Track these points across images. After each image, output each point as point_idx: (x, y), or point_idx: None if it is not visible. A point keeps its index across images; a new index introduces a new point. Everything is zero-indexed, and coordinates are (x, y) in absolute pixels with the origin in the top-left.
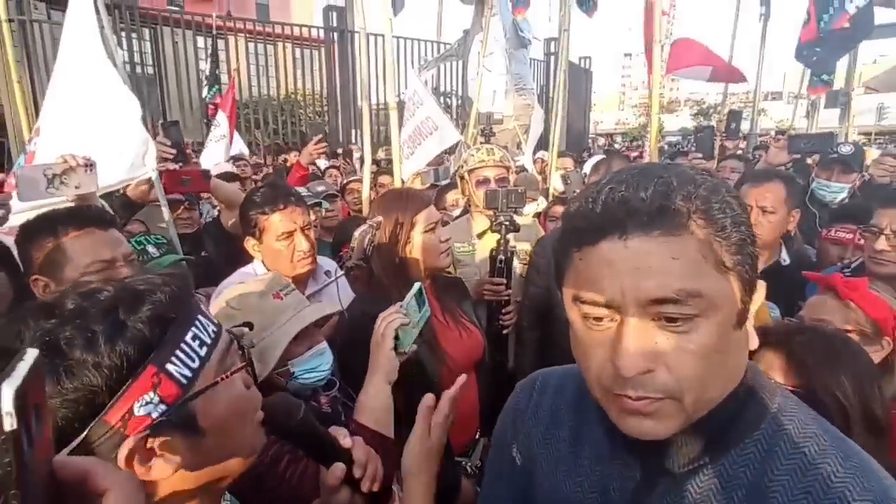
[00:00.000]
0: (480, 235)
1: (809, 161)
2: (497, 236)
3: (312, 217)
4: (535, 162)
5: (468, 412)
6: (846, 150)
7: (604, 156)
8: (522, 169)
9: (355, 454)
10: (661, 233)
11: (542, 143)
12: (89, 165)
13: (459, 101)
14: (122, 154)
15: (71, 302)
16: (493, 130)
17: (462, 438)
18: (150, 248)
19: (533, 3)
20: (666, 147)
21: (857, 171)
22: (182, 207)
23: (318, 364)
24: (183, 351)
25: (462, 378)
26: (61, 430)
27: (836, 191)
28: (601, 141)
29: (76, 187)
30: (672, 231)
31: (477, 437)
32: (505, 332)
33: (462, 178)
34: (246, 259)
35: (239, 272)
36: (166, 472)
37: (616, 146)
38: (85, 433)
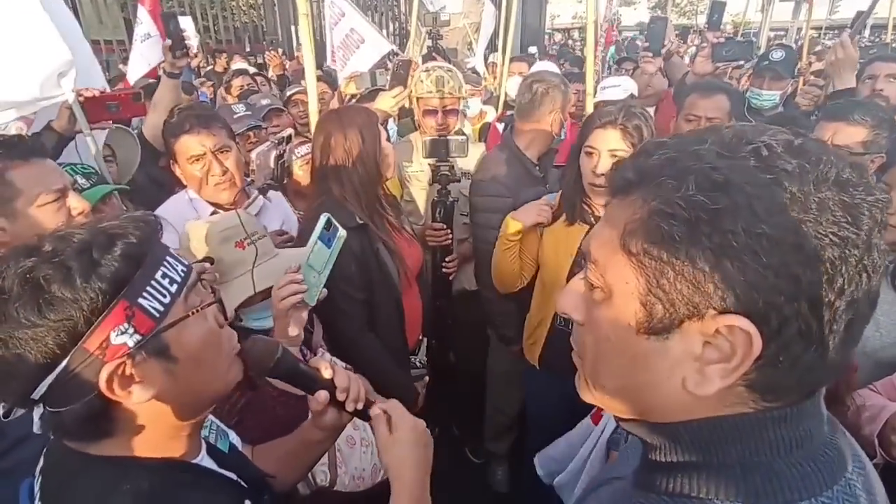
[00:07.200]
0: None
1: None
2: (438, 186)
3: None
4: (487, 66)
5: (415, 318)
6: (777, 55)
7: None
8: (474, 72)
9: (337, 381)
10: (623, 196)
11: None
12: None
13: None
14: (33, 68)
15: (49, 244)
16: (440, 34)
17: (412, 339)
18: (80, 179)
19: None
20: (621, 41)
21: (788, 77)
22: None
23: (268, 314)
24: (154, 287)
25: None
26: (50, 356)
27: (768, 99)
28: (558, 37)
29: None
30: (624, 195)
31: (421, 337)
32: (451, 278)
33: (413, 98)
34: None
35: (173, 199)
36: (145, 397)
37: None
38: (67, 358)
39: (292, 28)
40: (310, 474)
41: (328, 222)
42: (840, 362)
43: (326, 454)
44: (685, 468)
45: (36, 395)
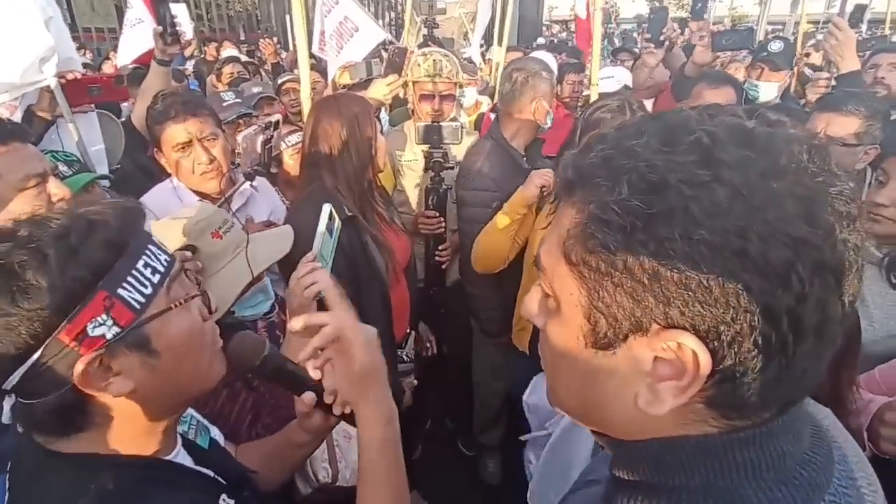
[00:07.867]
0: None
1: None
2: (431, 173)
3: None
4: (485, 62)
5: (403, 311)
6: (775, 47)
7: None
8: (470, 61)
9: (325, 383)
10: (567, 197)
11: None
12: None
13: None
14: (15, 54)
15: (25, 229)
16: (436, 22)
17: (399, 333)
18: (62, 167)
19: None
20: (616, 36)
21: (785, 68)
22: None
23: (259, 300)
24: (135, 277)
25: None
26: (22, 347)
27: (766, 91)
28: (556, 29)
29: None
30: (567, 196)
31: (408, 331)
32: (443, 266)
33: (409, 83)
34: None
35: (158, 188)
36: (124, 390)
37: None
38: (40, 350)
39: (287, 17)
40: (311, 471)
41: (330, 214)
42: (815, 371)
43: (326, 450)
44: (647, 490)
45: (7, 385)
